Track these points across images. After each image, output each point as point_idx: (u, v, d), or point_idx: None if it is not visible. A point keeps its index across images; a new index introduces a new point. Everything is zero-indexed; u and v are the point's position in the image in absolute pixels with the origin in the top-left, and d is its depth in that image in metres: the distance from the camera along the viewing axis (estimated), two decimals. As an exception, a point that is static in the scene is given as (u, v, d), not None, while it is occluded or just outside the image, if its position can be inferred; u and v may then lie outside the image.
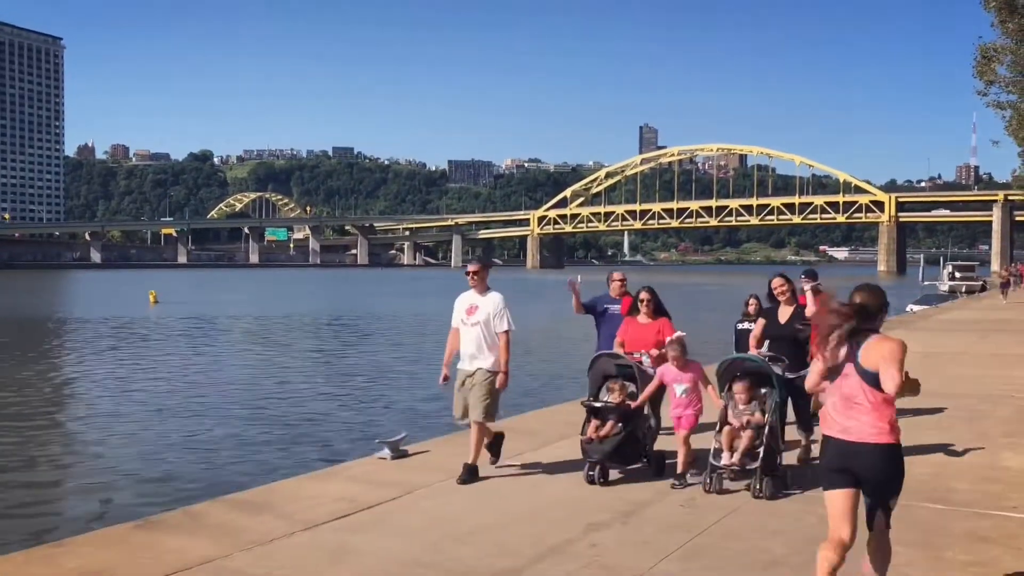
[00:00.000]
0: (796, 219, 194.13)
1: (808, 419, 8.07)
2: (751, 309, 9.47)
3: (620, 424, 7.30)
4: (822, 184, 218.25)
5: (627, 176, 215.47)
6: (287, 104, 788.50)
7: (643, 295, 8.01)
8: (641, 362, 7.72)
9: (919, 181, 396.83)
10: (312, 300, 60.13)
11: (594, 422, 7.36)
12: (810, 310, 7.60)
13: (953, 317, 31.67)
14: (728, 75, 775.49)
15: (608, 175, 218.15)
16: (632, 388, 7.50)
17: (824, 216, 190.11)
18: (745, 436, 6.90)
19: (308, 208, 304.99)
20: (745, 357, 7.39)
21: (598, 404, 7.44)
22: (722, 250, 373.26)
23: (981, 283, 62.12)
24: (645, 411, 7.63)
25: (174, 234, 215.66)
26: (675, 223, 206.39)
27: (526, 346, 28.17)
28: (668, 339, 7.55)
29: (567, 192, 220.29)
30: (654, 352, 7.77)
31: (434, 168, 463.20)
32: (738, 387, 7.12)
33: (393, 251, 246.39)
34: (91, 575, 5.22)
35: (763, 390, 7.17)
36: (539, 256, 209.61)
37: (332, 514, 6.45)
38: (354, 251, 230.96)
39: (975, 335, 22.85)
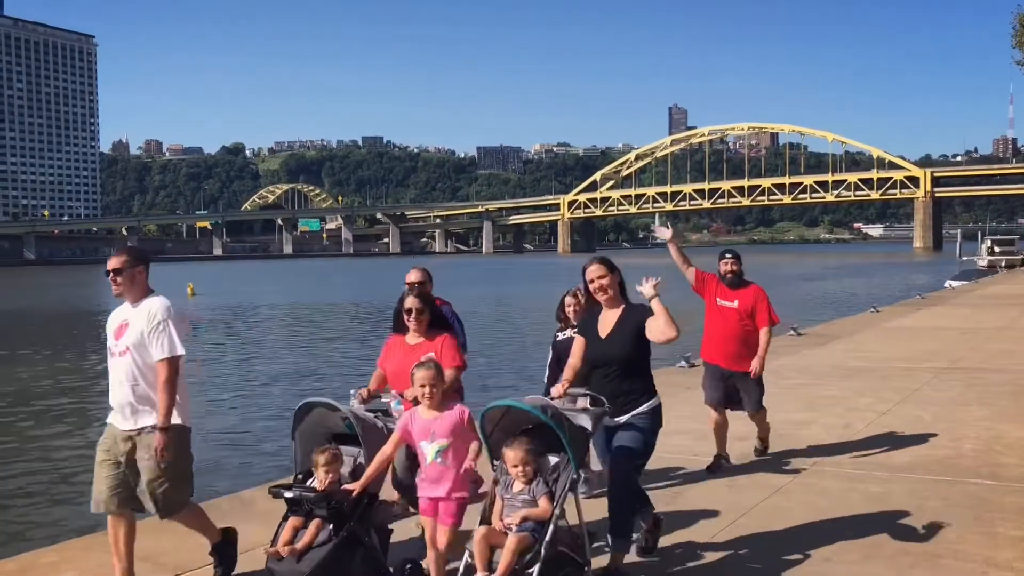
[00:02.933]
0: (829, 197, 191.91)
1: (631, 498, 4.80)
2: (571, 311, 6.21)
3: (332, 526, 4.43)
4: (855, 161, 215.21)
5: (657, 158, 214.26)
6: (316, 95, 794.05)
7: (409, 302, 5.21)
8: (390, 409, 4.86)
9: (955, 155, 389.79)
10: (347, 289, 60.58)
11: (291, 522, 4.53)
12: (658, 327, 4.73)
13: (993, 292, 31.18)
14: (758, 52, 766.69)
15: (638, 157, 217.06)
16: (358, 457, 4.70)
17: (858, 193, 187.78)
18: (511, 543, 4.08)
19: (340, 198, 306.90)
20: (518, 405, 4.33)
21: (290, 494, 4.54)
22: (755, 230, 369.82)
23: (1021, 257, 61.05)
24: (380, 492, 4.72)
25: (209, 227, 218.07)
26: (707, 204, 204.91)
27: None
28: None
29: (597, 176, 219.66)
30: (409, 393, 4.66)
31: (463, 155, 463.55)
32: (511, 454, 4.25)
33: (424, 239, 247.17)
34: (145, 559, 5.33)
35: (553, 459, 4.36)
36: (570, 240, 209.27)
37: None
38: (386, 240, 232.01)
39: (1016, 310, 22.49)
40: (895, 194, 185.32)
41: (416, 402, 4.56)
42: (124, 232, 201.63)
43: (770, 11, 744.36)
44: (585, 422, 4.45)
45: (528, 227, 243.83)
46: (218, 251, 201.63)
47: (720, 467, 7.12)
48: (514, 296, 47.97)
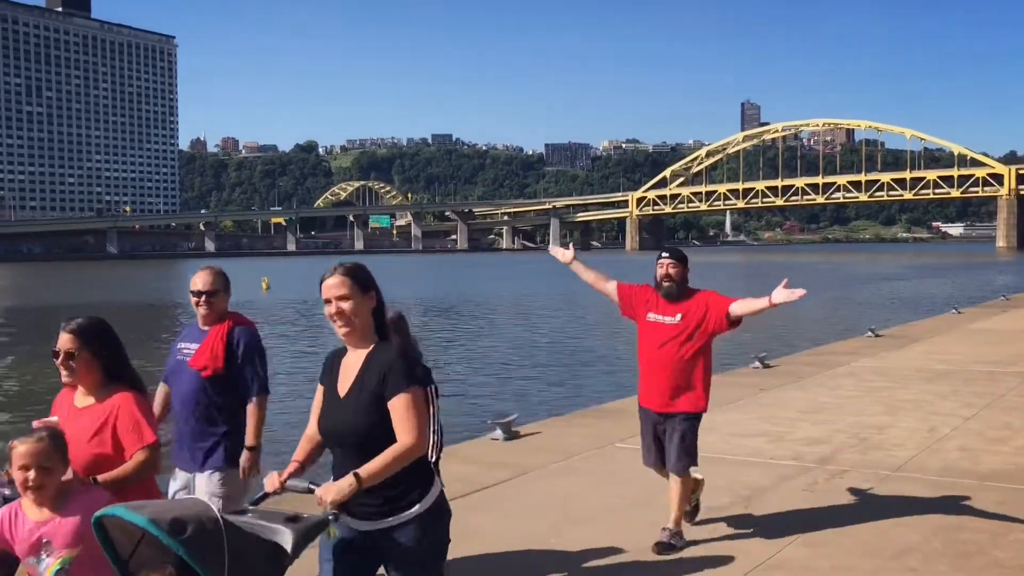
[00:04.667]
0: (907, 195, 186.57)
1: None
2: None
3: None
4: (935, 158, 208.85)
5: (729, 154, 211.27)
6: (388, 94, 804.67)
7: (60, 340, 3.42)
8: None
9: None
10: (417, 284, 61.16)
11: None
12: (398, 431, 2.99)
13: (1085, 294, 29.91)
14: (833, 46, 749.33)
15: (709, 154, 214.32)
16: None
17: (937, 191, 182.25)
18: None
19: (409, 195, 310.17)
20: (128, 517, 2.60)
21: None
22: (829, 228, 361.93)
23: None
24: None
25: (283, 223, 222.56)
26: (779, 201, 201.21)
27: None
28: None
29: (666, 172, 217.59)
30: (17, 471, 3.02)
31: (531, 152, 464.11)
32: None
33: (492, 236, 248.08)
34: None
35: None
36: (638, 238, 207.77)
37: (450, 494, 6.48)
38: (454, 236, 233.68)
39: (1111, 313, 21.54)
40: (977, 192, 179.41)
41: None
42: (201, 227, 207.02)
43: (846, 4, 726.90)
44: (284, 538, 2.72)
45: (596, 224, 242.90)
46: (291, 247, 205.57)
47: (672, 547, 5.17)
48: (577, 293, 47.81)
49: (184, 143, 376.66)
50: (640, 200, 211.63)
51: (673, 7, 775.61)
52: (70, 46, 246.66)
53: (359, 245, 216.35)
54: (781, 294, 4.85)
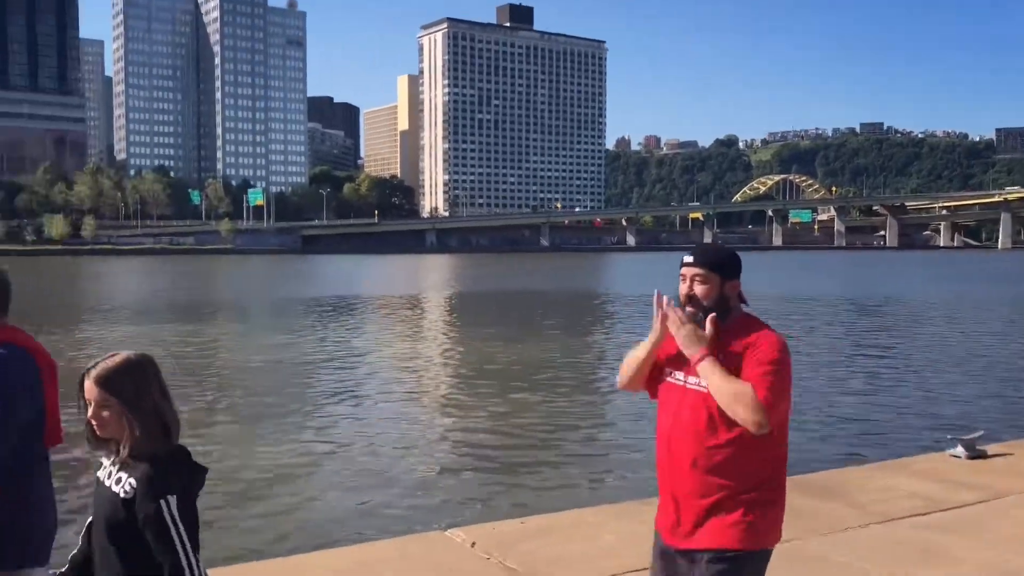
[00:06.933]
0: None
1: None
2: (97, 426, 2.42)
3: None
4: None
5: None
6: (812, 83, 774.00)
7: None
8: None
9: None
10: (843, 283, 58.12)
11: None
12: None
13: None
14: None
15: None
16: None
17: None
18: None
19: (833, 189, 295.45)
20: None
21: None
22: None
23: None
24: None
25: (700, 218, 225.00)
26: None
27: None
28: None
29: None
30: None
31: (978, 139, 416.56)
32: None
33: (927, 232, 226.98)
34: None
35: None
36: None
37: (908, 510, 6.09)
38: (882, 232, 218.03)
39: None
40: None
41: None
42: (623, 223, 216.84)
43: None
44: None
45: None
46: (708, 241, 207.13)
47: None
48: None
49: (610, 143, 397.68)
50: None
51: None
52: (515, 57, 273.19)
53: (777, 241, 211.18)
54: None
